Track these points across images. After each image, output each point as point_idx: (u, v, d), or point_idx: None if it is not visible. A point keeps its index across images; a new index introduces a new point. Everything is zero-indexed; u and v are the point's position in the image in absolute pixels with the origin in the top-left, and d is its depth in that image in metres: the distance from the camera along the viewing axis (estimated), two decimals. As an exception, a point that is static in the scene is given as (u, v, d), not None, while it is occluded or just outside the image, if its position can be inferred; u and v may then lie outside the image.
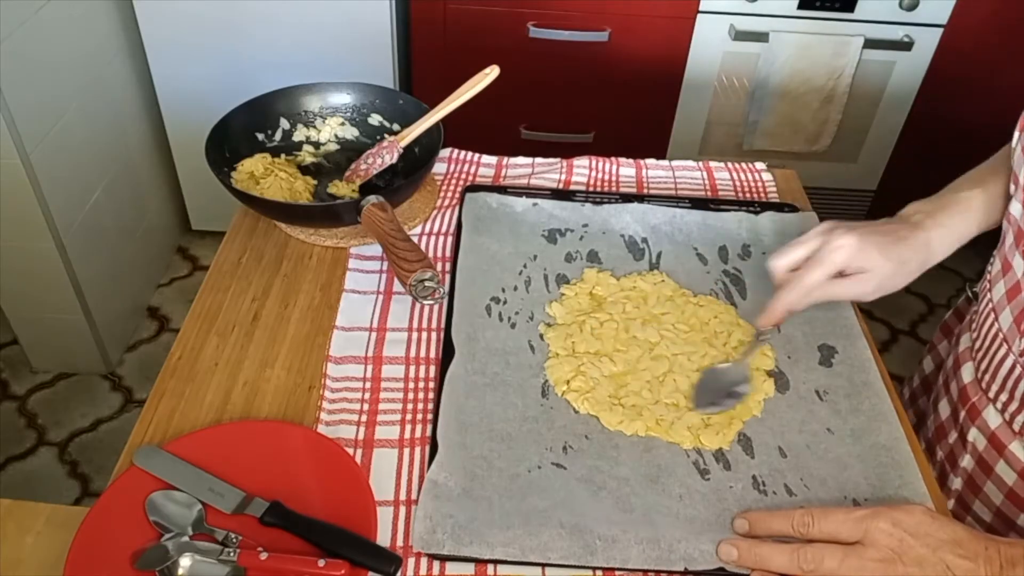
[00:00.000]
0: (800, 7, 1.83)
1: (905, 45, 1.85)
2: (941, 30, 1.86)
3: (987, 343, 0.78)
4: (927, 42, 1.87)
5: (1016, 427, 0.75)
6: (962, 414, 0.82)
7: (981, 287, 0.82)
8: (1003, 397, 0.76)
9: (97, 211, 1.79)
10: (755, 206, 1.00)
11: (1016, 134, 0.74)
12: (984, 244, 0.84)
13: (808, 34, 1.84)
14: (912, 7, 1.80)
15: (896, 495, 0.70)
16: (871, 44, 1.84)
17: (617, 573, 0.65)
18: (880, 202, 2.17)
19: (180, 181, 2.14)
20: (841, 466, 0.73)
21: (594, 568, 0.65)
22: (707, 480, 0.72)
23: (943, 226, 0.76)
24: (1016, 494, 0.77)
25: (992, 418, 0.78)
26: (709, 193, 1.05)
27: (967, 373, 0.82)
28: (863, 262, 0.72)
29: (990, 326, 0.77)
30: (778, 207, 1.00)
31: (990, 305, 0.77)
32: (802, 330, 0.86)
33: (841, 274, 0.74)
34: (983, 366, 0.78)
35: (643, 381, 0.79)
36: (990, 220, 0.78)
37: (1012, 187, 0.74)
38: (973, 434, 0.80)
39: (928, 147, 2.06)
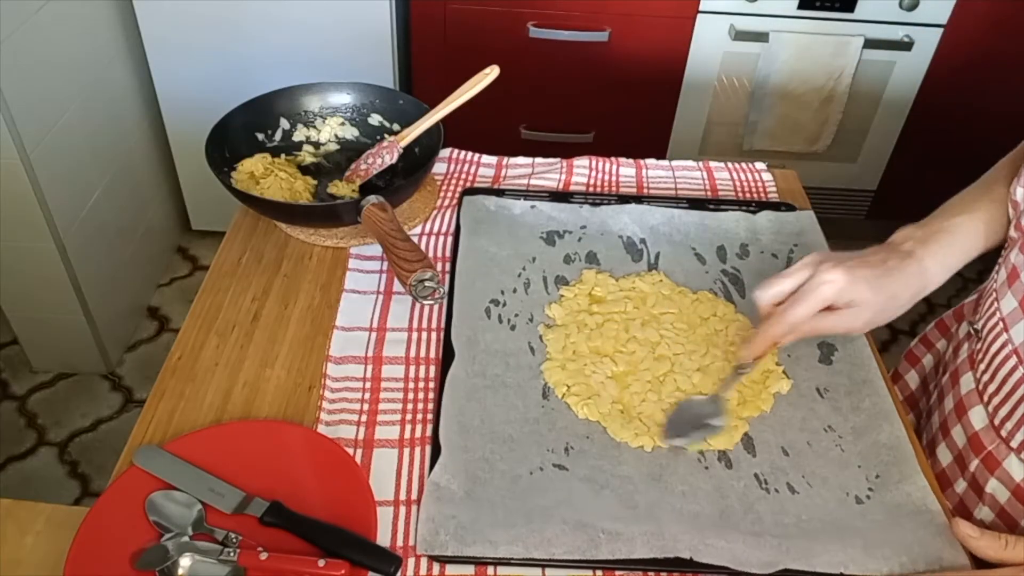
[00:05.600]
0: (800, 7, 1.83)
1: (905, 45, 1.85)
2: (941, 30, 1.86)
3: (1008, 387, 0.72)
4: (927, 42, 1.87)
5: None
6: (974, 463, 0.76)
7: (985, 324, 0.76)
8: None
9: (97, 211, 1.79)
10: (752, 205, 1.00)
11: None
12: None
13: (808, 34, 1.84)
14: (912, 7, 1.80)
15: (898, 492, 0.71)
16: (871, 44, 1.84)
17: (618, 573, 0.66)
18: (880, 202, 2.17)
19: (180, 181, 2.14)
20: (842, 464, 0.73)
21: (595, 565, 0.65)
22: (710, 478, 0.72)
23: (935, 255, 0.73)
24: None
25: (1016, 469, 0.72)
26: (709, 193, 1.05)
27: (978, 419, 0.76)
28: (852, 296, 0.70)
29: (1012, 369, 0.71)
30: (775, 206, 1.00)
31: (1010, 347, 0.71)
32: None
33: (830, 307, 0.72)
34: (1002, 412, 0.73)
35: (644, 382, 0.79)
36: (979, 247, 0.76)
37: None
38: (992, 486, 0.75)
39: (928, 147, 2.06)
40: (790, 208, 1.01)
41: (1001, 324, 0.73)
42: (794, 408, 0.78)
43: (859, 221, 2.22)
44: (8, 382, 1.88)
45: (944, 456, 0.82)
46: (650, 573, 0.65)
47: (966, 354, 0.80)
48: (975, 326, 0.79)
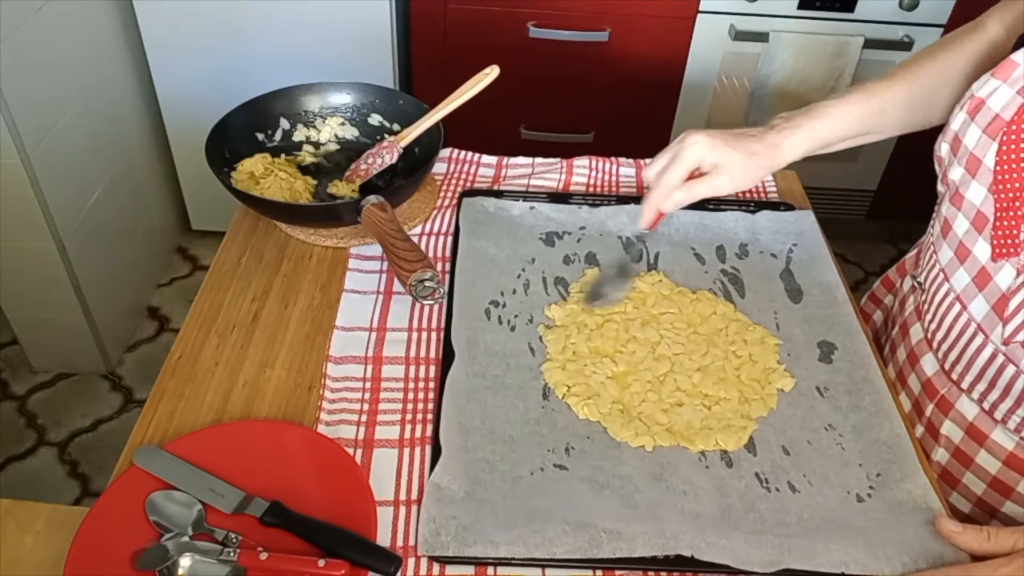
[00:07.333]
0: (800, 7, 1.83)
1: (905, 45, 1.85)
2: (941, 30, 1.86)
3: (955, 333, 0.76)
4: (927, 42, 1.86)
5: (999, 415, 0.74)
6: (929, 407, 0.81)
7: (927, 276, 0.80)
8: (980, 387, 0.75)
9: (97, 211, 1.79)
10: (751, 205, 1.00)
11: (962, 116, 0.74)
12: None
13: (808, 34, 1.84)
14: (912, 7, 1.80)
15: (899, 490, 0.71)
16: (871, 44, 1.84)
17: (618, 573, 0.66)
18: (880, 202, 2.17)
19: (180, 181, 2.14)
20: (843, 462, 0.73)
21: (596, 565, 0.65)
22: (711, 477, 0.72)
23: (798, 128, 0.80)
24: (1000, 481, 0.76)
25: (968, 408, 0.77)
26: (709, 193, 1.05)
27: (929, 365, 0.81)
28: (715, 157, 0.78)
29: (956, 315, 0.75)
30: (774, 206, 1.01)
31: (952, 295, 0.76)
32: (801, 327, 0.86)
33: (703, 174, 0.80)
34: (951, 356, 0.77)
35: (644, 382, 0.79)
36: (845, 133, 0.82)
37: (964, 172, 0.74)
38: (947, 427, 0.79)
39: (928, 147, 2.05)
40: (789, 207, 1.01)
41: (942, 274, 0.78)
42: (794, 407, 0.78)
43: (859, 221, 2.22)
44: (8, 382, 1.88)
45: (903, 404, 0.85)
46: (651, 573, 0.65)
47: (912, 306, 0.85)
48: (918, 279, 0.83)
